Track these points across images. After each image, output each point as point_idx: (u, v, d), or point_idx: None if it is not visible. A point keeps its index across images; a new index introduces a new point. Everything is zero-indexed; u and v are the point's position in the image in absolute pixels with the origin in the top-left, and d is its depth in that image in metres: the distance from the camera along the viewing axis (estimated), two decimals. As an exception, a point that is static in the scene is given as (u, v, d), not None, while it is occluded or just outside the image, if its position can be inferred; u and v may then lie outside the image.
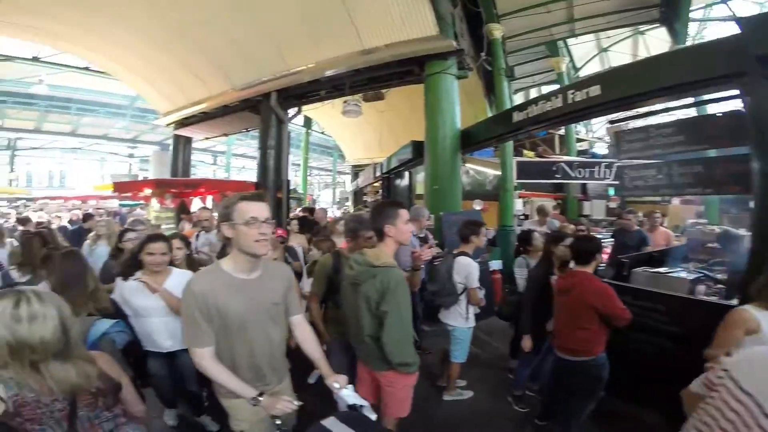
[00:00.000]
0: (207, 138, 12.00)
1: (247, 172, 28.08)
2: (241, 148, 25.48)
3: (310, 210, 9.44)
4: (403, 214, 2.16)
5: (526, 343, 3.27)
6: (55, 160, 26.52)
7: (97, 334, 2.09)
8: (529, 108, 5.39)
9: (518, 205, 8.69)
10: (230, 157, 22.81)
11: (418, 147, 7.57)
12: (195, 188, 7.98)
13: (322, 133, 19.91)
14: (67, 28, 8.32)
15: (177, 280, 2.64)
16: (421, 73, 6.53)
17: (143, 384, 2.78)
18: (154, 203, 8.92)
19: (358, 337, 2.21)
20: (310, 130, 18.52)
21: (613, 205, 11.62)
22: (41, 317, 1.21)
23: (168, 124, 11.52)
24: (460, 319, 3.48)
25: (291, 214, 8.78)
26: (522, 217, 8.96)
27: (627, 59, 10.63)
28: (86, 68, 12.88)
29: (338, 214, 13.49)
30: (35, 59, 11.88)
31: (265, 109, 8.72)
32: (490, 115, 8.90)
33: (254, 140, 25.00)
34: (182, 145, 11.44)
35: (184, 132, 11.31)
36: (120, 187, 8.15)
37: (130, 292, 2.66)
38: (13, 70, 13.83)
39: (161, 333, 2.71)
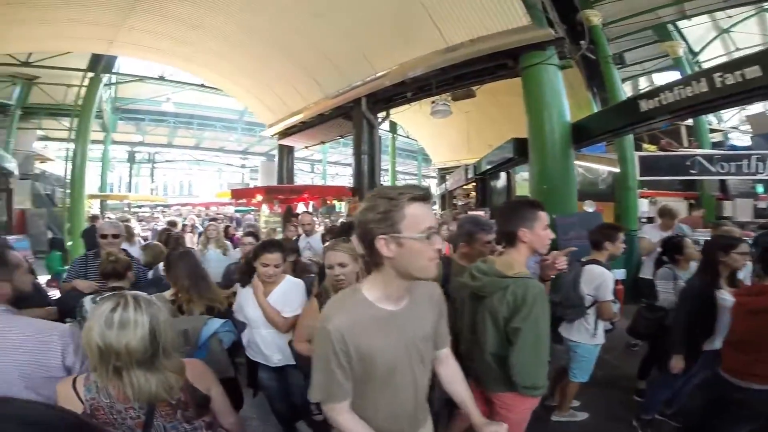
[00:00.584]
0: (306, 147, 12.78)
1: (340, 178, 29.46)
2: (334, 155, 26.84)
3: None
4: (543, 217, 1.84)
5: (677, 363, 2.72)
6: (184, 171, 30.84)
7: (209, 333, 2.11)
8: (662, 95, 4.63)
9: (643, 206, 7.52)
10: (326, 164, 24.10)
11: (520, 144, 7.07)
12: (299, 194, 8.48)
13: (407, 137, 19.94)
14: (185, 48, 9.36)
15: (283, 288, 2.49)
16: (515, 66, 6.10)
17: (255, 392, 2.86)
18: (264, 209, 9.65)
19: (474, 354, 1.97)
20: (395, 135, 18.65)
21: (763, 204, 9.57)
22: (132, 324, 1.19)
23: (273, 135, 12.51)
24: (586, 334, 3.02)
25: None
26: (644, 220, 7.73)
27: (756, 40, 8.77)
28: (202, 85, 14.49)
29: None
30: (161, 78, 13.70)
31: (357, 114, 8.92)
32: (595, 107, 7.91)
33: (346, 147, 26.46)
34: (286, 154, 12.29)
35: (286, 142, 12.19)
36: (237, 194, 9.10)
37: (244, 300, 2.57)
38: (146, 90, 16.35)
39: (270, 346, 2.52)
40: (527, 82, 5.95)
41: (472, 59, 6.42)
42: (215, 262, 4.50)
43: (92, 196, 16.36)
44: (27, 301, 1.80)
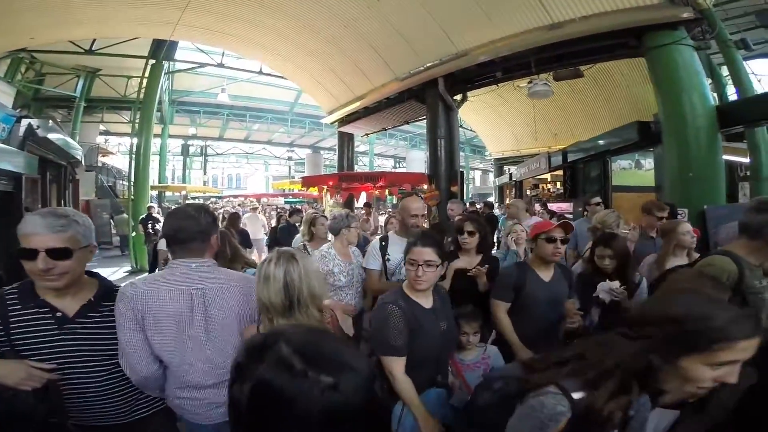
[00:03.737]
0: (367, 134, 11.72)
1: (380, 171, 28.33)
2: (377, 147, 25.75)
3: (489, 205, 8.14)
4: None
5: None
6: (233, 164, 30.76)
7: None
8: None
9: None
10: (373, 155, 23.05)
11: (645, 129, 6.16)
12: (375, 181, 7.40)
13: (461, 126, 18.43)
14: (246, 29, 8.59)
15: None
16: (638, 45, 5.45)
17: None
18: (328, 198, 8.69)
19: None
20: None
21: None
22: (271, 279, 1.37)
23: (332, 122, 11.57)
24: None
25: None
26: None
27: None
28: (260, 72, 13.70)
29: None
30: (220, 65, 13.04)
31: (432, 96, 7.85)
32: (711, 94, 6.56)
33: (391, 139, 25.40)
34: (346, 142, 11.32)
35: (346, 129, 11.22)
36: (307, 182, 8.15)
37: None
38: (201, 82, 15.82)
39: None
40: (655, 63, 5.33)
41: (583, 37, 5.70)
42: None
43: (153, 187, 16.13)
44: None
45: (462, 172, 7.68)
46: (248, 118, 19.63)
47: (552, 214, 7.32)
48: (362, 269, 2.85)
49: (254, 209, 9.24)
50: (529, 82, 7.74)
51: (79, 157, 8.99)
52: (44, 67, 11.53)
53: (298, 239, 4.23)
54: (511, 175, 12.90)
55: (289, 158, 26.03)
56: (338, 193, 8.76)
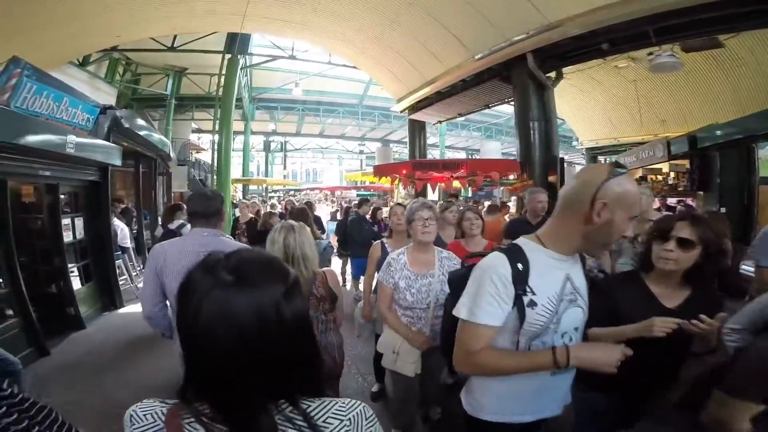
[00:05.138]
0: (440, 121, 10.72)
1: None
2: (448, 138, 24.30)
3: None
4: None
5: None
6: (309, 159, 31.64)
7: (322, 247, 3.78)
8: None
9: None
10: (444, 147, 21.78)
11: None
12: (455, 168, 6.42)
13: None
14: (309, 15, 8.16)
15: None
16: None
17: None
18: (401, 189, 7.88)
19: None
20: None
21: None
22: (273, 242, 1.95)
23: (402, 110, 10.80)
24: None
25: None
26: None
27: None
28: (329, 61, 13.41)
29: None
30: (292, 57, 12.96)
31: (519, 74, 6.65)
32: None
33: (463, 129, 23.80)
34: (417, 130, 10.46)
35: (417, 116, 10.35)
36: (380, 171, 7.45)
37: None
38: (277, 79, 16.00)
39: None
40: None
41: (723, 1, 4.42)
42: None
43: (236, 181, 16.90)
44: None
45: (562, 159, 6.35)
46: (321, 112, 19.66)
47: (671, 210, 5.74)
48: (445, 284, 2.04)
49: (324, 199, 8.90)
50: (650, 54, 6.11)
51: (168, 151, 9.37)
52: (139, 68, 12.41)
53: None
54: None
55: (361, 152, 25.86)
56: (412, 184, 7.92)
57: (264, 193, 21.75)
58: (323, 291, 1.98)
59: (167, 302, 1.89)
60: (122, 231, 6.44)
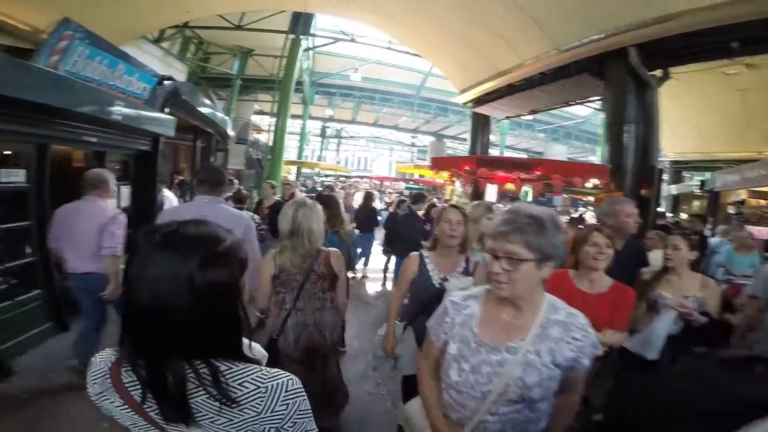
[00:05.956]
0: (509, 117, 9.67)
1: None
2: (507, 138, 22.74)
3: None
4: None
5: None
6: (361, 147, 31.45)
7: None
8: None
9: None
10: (504, 147, 20.37)
11: None
12: (527, 169, 5.52)
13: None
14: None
15: None
16: None
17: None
18: (457, 186, 7.08)
19: None
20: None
21: None
22: (283, 215, 2.00)
23: (464, 103, 9.87)
24: None
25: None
26: None
27: None
28: (389, 46, 12.74)
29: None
30: (352, 40, 12.45)
31: (615, 70, 5.61)
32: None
33: (527, 129, 22.05)
34: (481, 126, 9.50)
35: (483, 110, 9.38)
36: (438, 164, 6.64)
37: None
38: (337, 64, 15.63)
39: None
40: None
41: None
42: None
43: (289, 162, 16.98)
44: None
45: (660, 170, 5.24)
46: (377, 100, 19.11)
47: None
48: (532, 370, 1.15)
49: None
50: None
51: (226, 128, 9.35)
52: (209, 48, 12.57)
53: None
54: (703, 183, 9.31)
55: (412, 144, 25.07)
56: (471, 183, 7.09)
57: (317, 177, 21.86)
58: (324, 269, 2.02)
59: None
60: (170, 202, 6.35)
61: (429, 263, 2.10)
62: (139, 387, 0.67)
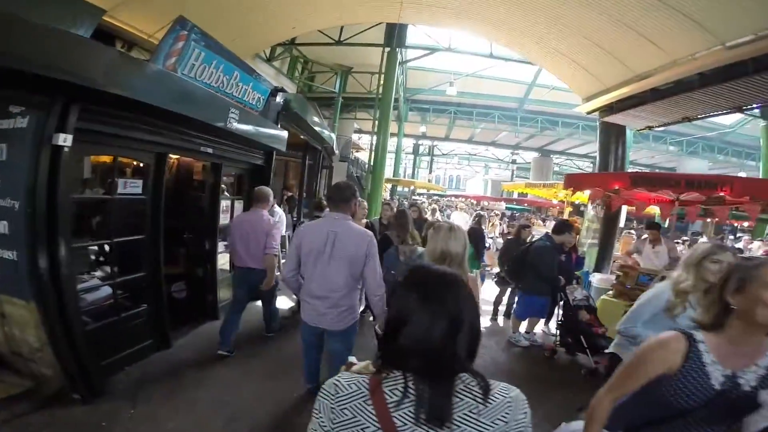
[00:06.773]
0: (650, 127, 7.79)
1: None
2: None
3: None
4: None
5: None
6: (454, 165, 30.35)
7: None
8: None
9: None
10: (629, 161, 17.33)
11: None
12: (710, 188, 4.00)
13: None
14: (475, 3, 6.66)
15: None
16: None
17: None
18: (589, 210, 5.68)
19: None
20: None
21: None
22: (432, 238, 2.15)
23: (589, 112, 8.31)
24: None
25: None
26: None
27: None
28: (490, 54, 11.63)
29: None
30: (449, 50, 11.69)
31: None
32: None
33: (655, 141, 18.44)
34: (614, 138, 7.88)
35: (614, 119, 7.73)
36: (573, 181, 5.34)
37: None
38: (432, 79, 14.99)
39: None
40: None
41: None
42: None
43: (386, 180, 16.85)
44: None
45: None
46: (475, 115, 17.95)
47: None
48: None
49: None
50: None
51: (333, 145, 9.40)
52: (313, 67, 13.09)
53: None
54: None
55: (513, 161, 23.11)
56: (606, 203, 5.64)
57: (409, 195, 21.47)
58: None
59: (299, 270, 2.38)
60: (280, 218, 6.27)
61: (705, 351, 1.12)
62: (402, 408, 0.72)
